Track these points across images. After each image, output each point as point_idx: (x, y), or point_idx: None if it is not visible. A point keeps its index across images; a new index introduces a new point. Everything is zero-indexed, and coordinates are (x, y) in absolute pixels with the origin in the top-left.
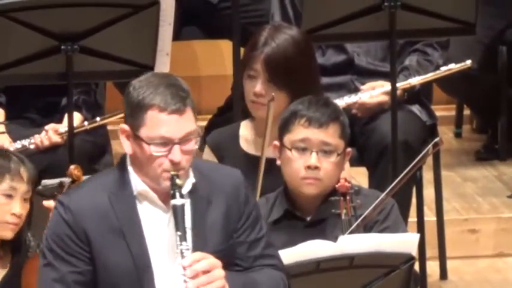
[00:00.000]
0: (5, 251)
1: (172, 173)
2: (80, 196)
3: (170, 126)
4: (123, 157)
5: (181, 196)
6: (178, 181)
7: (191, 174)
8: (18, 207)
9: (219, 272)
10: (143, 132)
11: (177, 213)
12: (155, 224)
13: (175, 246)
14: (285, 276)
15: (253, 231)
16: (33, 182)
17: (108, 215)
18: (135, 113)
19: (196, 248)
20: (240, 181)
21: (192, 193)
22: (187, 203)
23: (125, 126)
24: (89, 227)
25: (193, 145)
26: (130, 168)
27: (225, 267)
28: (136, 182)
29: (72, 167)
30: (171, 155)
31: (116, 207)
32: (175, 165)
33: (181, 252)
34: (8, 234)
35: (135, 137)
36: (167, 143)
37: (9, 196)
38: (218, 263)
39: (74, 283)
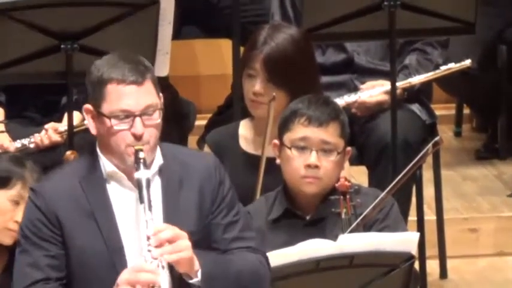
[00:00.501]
0: (2, 251)
1: (136, 147)
2: (52, 182)
3: (130, 98)
4: (92, 143)
5: (146, 167)
6: (141, 154)
7: (159, 155)
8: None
9: (185, 242)
10: (105, 108)
11: (140, 186)
12: (125, 205)
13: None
14: (264, 258)
15: (228, 213)
16: None
17: (80, 199)
18: (96, 90)
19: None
20: (213, 164)
21: (163, 175)
22: (157, 184)
23: (88, 106)
24: (60, 211)
25: (156, 118)
26: (98, 152)
27: (201, 248)
28: (105, 164)
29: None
30: (133, 128)
31: (87, 190)
32: (137, 138)
33: (146, 222)
34: (8, 240)
35: (98, 114)
36: (128, 115)
37: (16, 203)
38: (184, 234)
39: (47, 266)
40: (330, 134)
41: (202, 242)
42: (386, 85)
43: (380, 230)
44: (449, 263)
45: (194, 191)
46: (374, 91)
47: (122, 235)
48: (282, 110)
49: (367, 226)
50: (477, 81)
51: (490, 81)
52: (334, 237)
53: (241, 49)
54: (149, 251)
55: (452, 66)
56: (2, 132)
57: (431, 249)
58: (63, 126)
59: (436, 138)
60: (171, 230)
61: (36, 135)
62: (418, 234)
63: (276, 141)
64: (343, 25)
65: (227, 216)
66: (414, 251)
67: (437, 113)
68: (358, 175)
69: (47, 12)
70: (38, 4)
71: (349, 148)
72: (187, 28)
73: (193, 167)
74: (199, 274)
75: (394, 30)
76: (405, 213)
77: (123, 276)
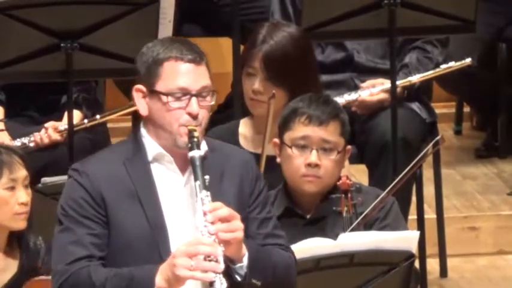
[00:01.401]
0: (13, 246)
1: (190, 127)
2: (95, 163)
3: (188, 76)
4: (136, 126)
5: (199, 148)
6: (195, 134)
7: (204, 143)
8: (24, 195)
9: (239, 223)
10: (160, 86)
11: (195, 164)
12: (170, 187)
13: (191, 206)
14: (293, 258)
15: (264, 209)
16: (27, 165)
17: (123, 179)
18: (150, 69)
19: None
20: (250, 158)
21: (206, 164)
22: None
23: (139, 86)
24: (104, 191)
25: (209, 100)
26: (144, 133)
27: None
28: (151, 146)
29: None
30: (189, 107)
31: (131, 172)
32: (193, 117)
33: (202, 200)
34: (22, 224)
35: (152, 93)
36: (185, 93)
37: (12, 188)
38: (237, 215)
39: (91, 244)
40: (330, 132)
41: None
42: (386, 83)
43: (381, 229)
44: (449, 262)
45: (234, 183)
46: (374, 90)
47: (165, 216)
48: (281, 108)
49: (367, 225)
50: (477, 79)
51: (490, 79)
52: (335, 236)
53: (242, 47)
54: (205, 226)
55: (453, 64)
56: (2, 130)
57: (432, 248)
58: (63, 125)
59: (438, 137)
60: (227, 209)
61: (36, 134)
62: (418, 233)
63: (277, 140)
64: (343, 23)
65: (262, 211)
66: (414, 249)
67: (438, 111)
68: (358, 174)
69: (47, 11)
70: (38, 3)
71: (349, 147)
72: (188, 26)
73: (234, 159)
74: (245, 259)
75: (394, 28)
76: (405, 212)
77: (181, 248)
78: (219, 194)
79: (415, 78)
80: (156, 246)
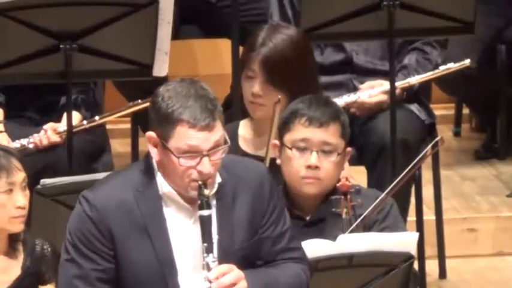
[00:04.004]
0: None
1: (200, 182)
2: (105, 192)
3: (199, 140)
4: (150, 156)
5: (209, 207)
6: (206, 191)
7: (218, 175)
8: (21, 199)
9: (243, 283)
10: (172, 144)
11: (204, 224)
12: (180, 225)
13: (200, 252)
14: (307, 267)
15: (277, 225)
16: (24, 167)
17: (133, 212)
18: (163, 124)
19: (222, 244)
20: (264, 175)
21: (218, 191)
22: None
23: (153, 134)
24: (113, 225)
25: (221, 154)
26: (157, 170)
27: (247, 262)
28: (163, 183)
29: None
30: (200, 166)
31: (141, 204)
32: (203, 175)
33: (207, 265)
34: (19, 227)
35: (164, 147)
36: (196, 153)
37: (10, 191)
38: (242, 275)
39: (97, 280)
40: (330, 134)
41: (251, 256)
42: (385, 85)
43: (380, 231)
44: (448, 263)
45: (247, 206)
46: (373, 91)
47: (175, 252)
48: (281, 110)
49: (367, 227)
50: (476, 81)
51: (489, 81)
52: (334, 238)
53: (241, 49)
54: None
55: (452, 66)
56: (1, 132)
57: (431, 249)
58: (62, 126)
59: (437, 139)
60: (231, 274)
61: (35, 135)
62: (417, 234)
63: (276, 142)
64: (342, 25)
65: (277, 228)
66: (413, 251)
67: (437, 113)
68: (357, 175)
69: (46, 12)
70: (37, 4)
71: (349, 148)
72: (187, 28)
73: (246, 181)
74: None
75: (393, 29)
76: (404, 213)
77: None
78: (231, 219)
79: (414, 79)
80: (165, 283)
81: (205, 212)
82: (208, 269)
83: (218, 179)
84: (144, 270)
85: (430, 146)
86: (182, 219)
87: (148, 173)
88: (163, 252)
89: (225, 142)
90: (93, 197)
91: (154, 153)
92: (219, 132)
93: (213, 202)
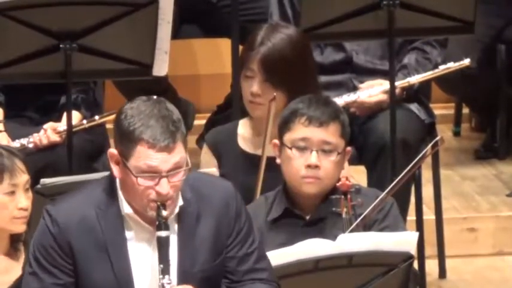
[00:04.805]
0: (16, 248)
1: (159, 203)
2: (68, 208)
3: (158, 161)
4: (113, 175)
5: (167, 228)
6: (164, 212)
7: (179, 196)
8: (24, 201)
9: None
10: (131, 163)
11: (162, 245)
12: (140, 246)
13: (158, 272)
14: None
15: (243, 246)
16: (28, 168)
17: (94, 229)
18: (124, 142)
19: (183, 267)
20: (231, 195)
21: (181, 211)
22: (174, 219)
23: (114, 152)
24: (74, 241)
25: (181, 177)
26: (118, 190)
27: (211, 283)
28: (124, 204)
29: None
30: (159, 187)
31: (102, 223)
32: (161, 196)
33: (163, 286)
34: (21, 228)
35: (124, 166)
36: (155, 174)
37: (12, 193)
38: None
39: None
40: (330, 134)
41: (213, 278)
42: (385, 84)
43: (380, 230)
44: (448, 263)
45: (210, 227)
46: (373, 91)
47: (133, 272)
48: (280, 110)
49: (367, 226)
50: (476, 80)
51: (489, 80)
52: (334, 237)
53: (241, 48)
54: None
55: (451, 65)
56: (1, 132)
57: (430, 249)
58: (62, 126)
59: (437, 138)
60: None
61: (35, 135)
62: (417, 234)
63: (276, 141)
64: (342, 24)
65: (242, 249)
66: (413, 250)
67: (436, 112)
68: (357, 175)
69: (46, 12)
70: (37, 4)
71: (349, 148)
72: (187, 27)
73: (211, 201)
74: None
75: (393, 29)
76: (404, 213)
77: None
78: (193, 240)
79: (414, 79)
80: None
81: (162, 233)
82: None
83: (180, 202)
84: None
85: (430, 145)
86: (142, 240)
87: (111, 191)
88: (122, 272)
89: (187, 164)
90: (55, 212)
91: (116, 171)
92: (179, 154)
93: (175, 225)
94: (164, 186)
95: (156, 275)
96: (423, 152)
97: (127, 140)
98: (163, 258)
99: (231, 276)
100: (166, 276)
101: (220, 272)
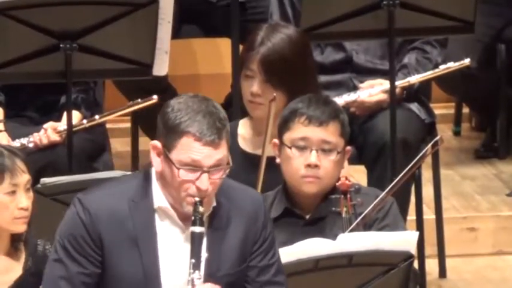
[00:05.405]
0: (17, 247)
1: (197, 199)
2: (100, 199)
3: (202, 155)
4: (148, 167)
5: (201, 224)
6: (201, 208)
7: (213, 199)
8: (24, 201)
9: None
10: (174, 155)
11: (195, 241)
12: (171, 240)
13: (187, 268)
14: None
15: (265, 256)
16: (29, 168)
17: (126, 222)
18: (169, 134)
19: (209, 269)
20: (260, 205)
21: (211, 214)
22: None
23: (157, 144)
24: (104, 232)
25: (221, 175)
26: (154, 182)
27: None
28: (159, 197)
29: None
30: (199, 181)
31: (134, 216)
32: (201, 192)
33: (192, 281)
34: (21, 228)
35: (166, 157)
36: (197, 169)
37: (12, 192)
38: None
39: (81, 284)
40: (330, 133)
41: (237, 283)
42: (385, 84)
43: (380, 229)
44: (448, 262)
45: (239, 232)
46: (373, 90)
47: (162, 268)
48: (280, 110)
49: (367, 225)
50: (476, 80)
51: (489, 80)
52: (334, 237)
53: (241, 48)
54: None
55: (452, 65)
56: (1, 131)
57: (430, 249)
58: (62, 125)
59: (437, 138)
60: None
61: (35, 134)
62: (417, 234)
63: (276, 141)
64: (342, 24)
65: (264, 259)
66: (413, 250)
67: (437, 112)
68: (357, 174)
69: (46, 11)
70: (37, 3)
71: (348, 147)
72: (187, 27)
73: (242, 207)
74: None
75: (393, 29)
76: (404, 212)
77: None
78: (222, 243)
79: (414, 78)
80: None
81: (197, 229)
82: (193, 285)
83: (214, 203)
84: (128, 283)
85: (430, 145)
86: (174, 236)
87: (146, 184)
88: (150, 266)
89: (228, 164)
90: (87, 201)
91: (157, 163)
92: (223, 151)
93: (206, 225)
94: (204, 182)
95: (183, 271)
96: (423, 151)
97: (172, 132)
98: (196, 254)
99: (249, 286)
100: (197, 272)
101: (242, 279)
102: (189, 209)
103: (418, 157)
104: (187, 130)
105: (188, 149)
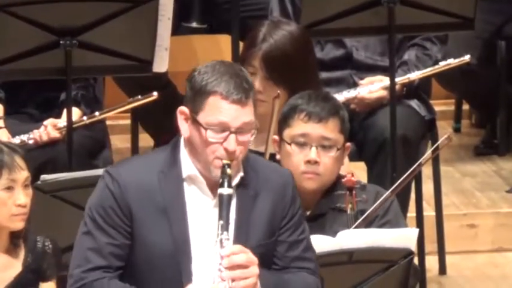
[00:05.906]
0: (16, 244)
1: (225, 161)
2: (129, 170)
3: (229, 114)
4: (177, 138)
5: (229, 186)
6: (228, 170)
7: (241, 167)
8: (22, 197)
9: (255, 269)
10: (202, 117)
11: (223, 202)
12: (200, 209)
13: (216, 235)
14: (320, 282)
15: (294, 232)
16: (28, 165)
17: (155, 193)
18: (196, 97)
19: (238, 241)
20: (288, 181)
21: (240, 185)
22: (234, 195)
23: (184, 109)
24: (133, 203)
25: (249, 137)
26: (183, 150)
27: (262, 263)
28: (187, 165)
29: None
30: (226, 142)
31: (163, 186)
32: (229, 153)
33: (221, 242)
34: (19, 225)
35: (194, 121)
36: (224, 130)
37: (10, 188)
38: (255, 260)
39: (110, 254)
40: (329, 129)
41: (266, 256)
42: (385, 81)
43: (381, 226)
44: (448, 259)
45: (267, 206)
46: (373, 87)
47: (191, 237)
48: (281, 106)
49: (367, 222)
50: (476, 77)
51: (489, 77)
52: (334, 233)
53: (241, 44)
54: (220, 270)
55: (452, 61)
56: (1, 128)
57: (431, 245)
58: (62, 122)
59: (446, 135)
60: (245, 255)
61: (35, 131)
62: (417, 230)
63: (276, 137)
64: (342, 21)
65: (293, 234)
66: (413, 246)
67: (437, 108)
68: (357, 171)
69: (46, 8)
70: (37, 0)
71: (348, 144)
72: (186, 24)
73: (270, 181)
74: None
75: (393, 25)
76: (404, 209)
77: None
78: (250, 215)
79: (414, 75)
80: (178, 266)
81: (225, 191)
82: (222, 246)
83: (241, 173)
84: (158, 253)
85: (440, 140)
86: (203, 204)
87: (174, 155)
88: (180, 235)
89: (255, 126)
90: (117, 173)
91: (184, 129)
92: (249, 113)
93: (234, 198)
94: (232, 143)
95: (212, 239)
96: (432, 148)
97: (199, 94)
98: (224, 215)
99: (279, 261)
100: (225, 232)
101: (270, 254)
102: (217, 173)
103: (427, 153)
104: (214, 90)
105: (215, 108)
